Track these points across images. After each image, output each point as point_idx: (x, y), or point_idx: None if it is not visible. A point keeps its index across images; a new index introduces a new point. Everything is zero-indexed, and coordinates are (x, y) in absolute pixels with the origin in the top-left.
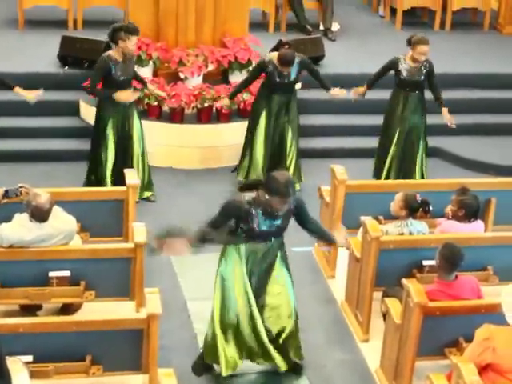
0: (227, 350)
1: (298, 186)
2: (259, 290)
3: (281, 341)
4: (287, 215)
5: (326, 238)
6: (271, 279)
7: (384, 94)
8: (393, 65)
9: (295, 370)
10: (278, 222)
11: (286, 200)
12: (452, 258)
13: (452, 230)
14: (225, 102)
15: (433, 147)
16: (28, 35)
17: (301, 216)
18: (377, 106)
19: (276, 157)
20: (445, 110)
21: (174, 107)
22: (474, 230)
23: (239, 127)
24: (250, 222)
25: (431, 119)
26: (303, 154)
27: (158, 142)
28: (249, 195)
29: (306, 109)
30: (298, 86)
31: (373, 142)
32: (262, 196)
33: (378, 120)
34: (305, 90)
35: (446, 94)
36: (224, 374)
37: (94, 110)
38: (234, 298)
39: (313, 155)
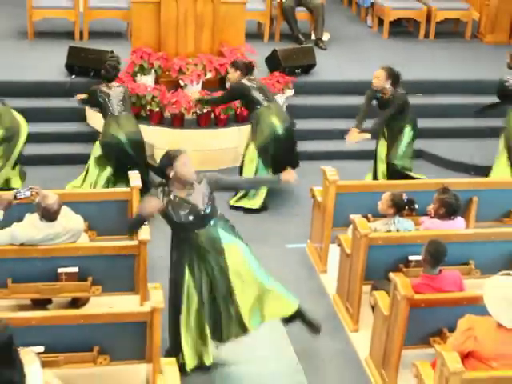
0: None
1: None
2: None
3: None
4: (208, 199)
5: (264, 183)
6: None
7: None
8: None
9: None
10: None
11: (185, 160)
12: (437, 254)
13: (434, 227)
14: (194, 95)
15: (417, 149)
16: (37, 46)
17: (221, 187)
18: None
19: None
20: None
21: (175, 113)
22: (455, 226)
23: (236, 132)
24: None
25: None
26: None
27: (159, 145)
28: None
29: (298, 114)
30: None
31: (361, 145)
32: (171, 182)
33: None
34: (296, 97)
35: (430, 100)
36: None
37: (99, 116)
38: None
39: (303, 157)
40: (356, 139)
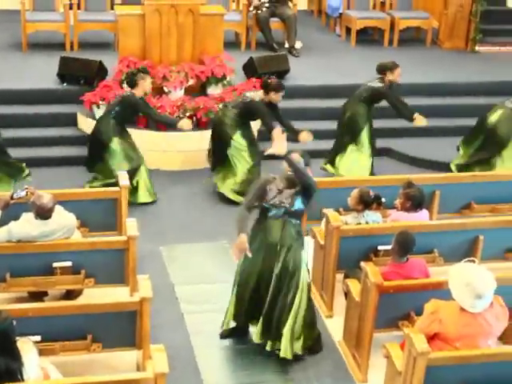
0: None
1: None
2: None
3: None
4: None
5: None
6: None
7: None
8: None
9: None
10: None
11: None
12: (406, 244)
13: (401, 219)
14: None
15: (383, 147)
16: (31, 56)
17: None
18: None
19: None
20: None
21: None
22: (420, 218)
23: None
24: None
25: (382, 123)
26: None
27: (146, 147)
28: None
29: (289, 116)
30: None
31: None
32: None
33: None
34: (286, 101)
35: None
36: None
37: (89, 121)
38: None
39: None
40: None
